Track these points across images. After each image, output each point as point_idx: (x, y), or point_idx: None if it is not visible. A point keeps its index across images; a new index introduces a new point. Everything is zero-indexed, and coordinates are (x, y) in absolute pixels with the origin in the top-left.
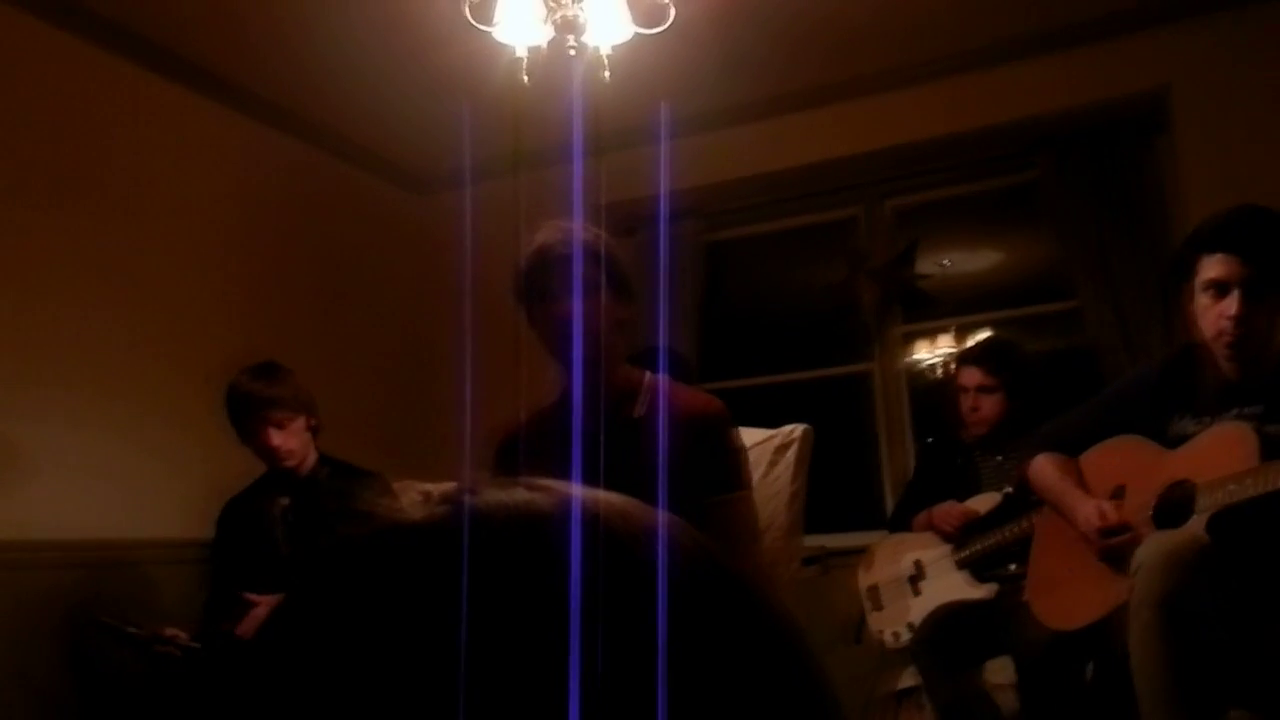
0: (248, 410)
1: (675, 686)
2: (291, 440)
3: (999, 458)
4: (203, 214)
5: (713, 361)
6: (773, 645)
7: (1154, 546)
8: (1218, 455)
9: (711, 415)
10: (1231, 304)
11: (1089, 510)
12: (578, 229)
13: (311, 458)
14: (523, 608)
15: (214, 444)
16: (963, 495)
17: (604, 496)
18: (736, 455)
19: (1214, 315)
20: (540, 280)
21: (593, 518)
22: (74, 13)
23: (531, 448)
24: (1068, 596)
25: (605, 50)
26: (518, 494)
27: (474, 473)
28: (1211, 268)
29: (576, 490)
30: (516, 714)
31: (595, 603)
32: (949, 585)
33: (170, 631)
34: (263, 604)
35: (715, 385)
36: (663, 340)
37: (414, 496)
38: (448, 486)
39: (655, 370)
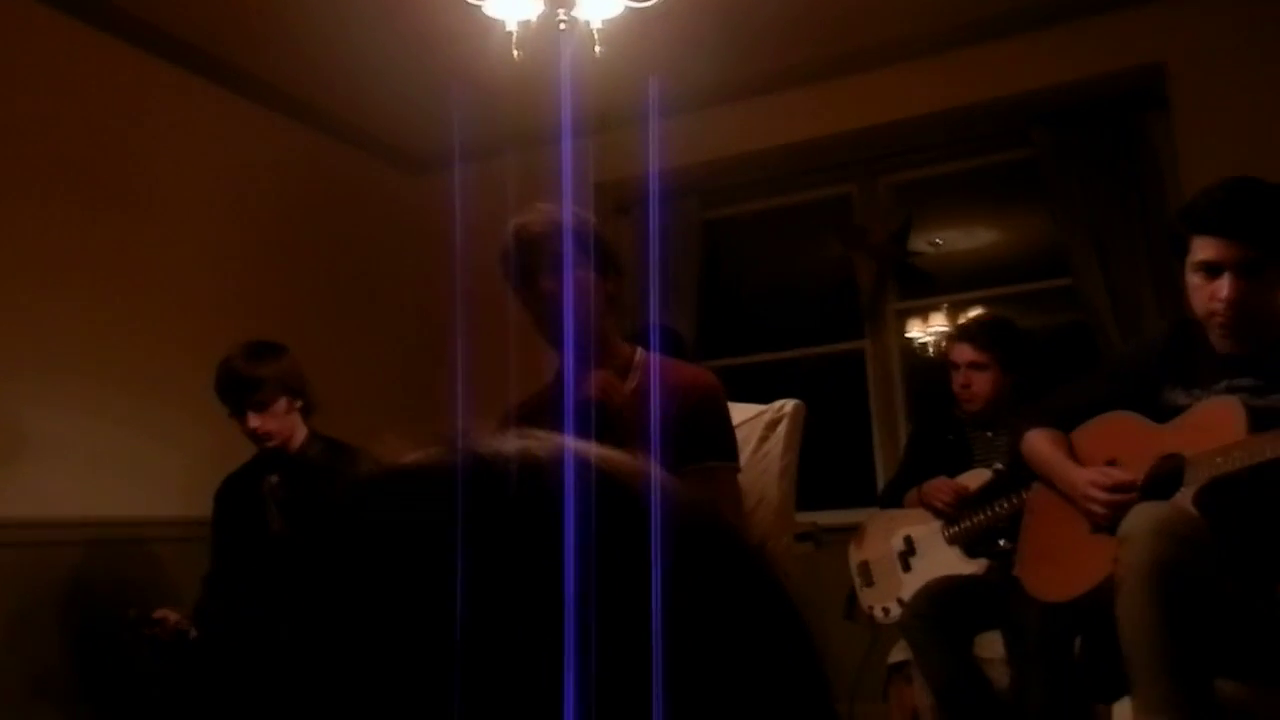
0: (229, 389)
1: (669, 638)
2: (270, 423)
3: (989, 434)
4: (198, 195)
5: (709, 339)
6: (765, 601)
7: (1141, 516)
8: (1207, 429)
9: (703, 387)
10: (1223, 286)
11: (1090, 474)
12: (566, 206)
13: (301, 435)
14: (527, 551)
15: (217, 423)
16: (954, 471)
17: (596, 448)
18: (726, 427)
19: (1205, 296)
20: (521, 261)
21: (588, 463)
22: None
23: (527, 424)
24: (1057, 570)
25: (596, 25)
26: (512, 441)
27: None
28: (1204, 249)
29: (569, 442)
30: (520, 658)
31: (596, 548)
32: (940, 561)
33: (160, 613)
34: None
35: (711, 363)
36: (654, 317)
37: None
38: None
39: (649, 347)
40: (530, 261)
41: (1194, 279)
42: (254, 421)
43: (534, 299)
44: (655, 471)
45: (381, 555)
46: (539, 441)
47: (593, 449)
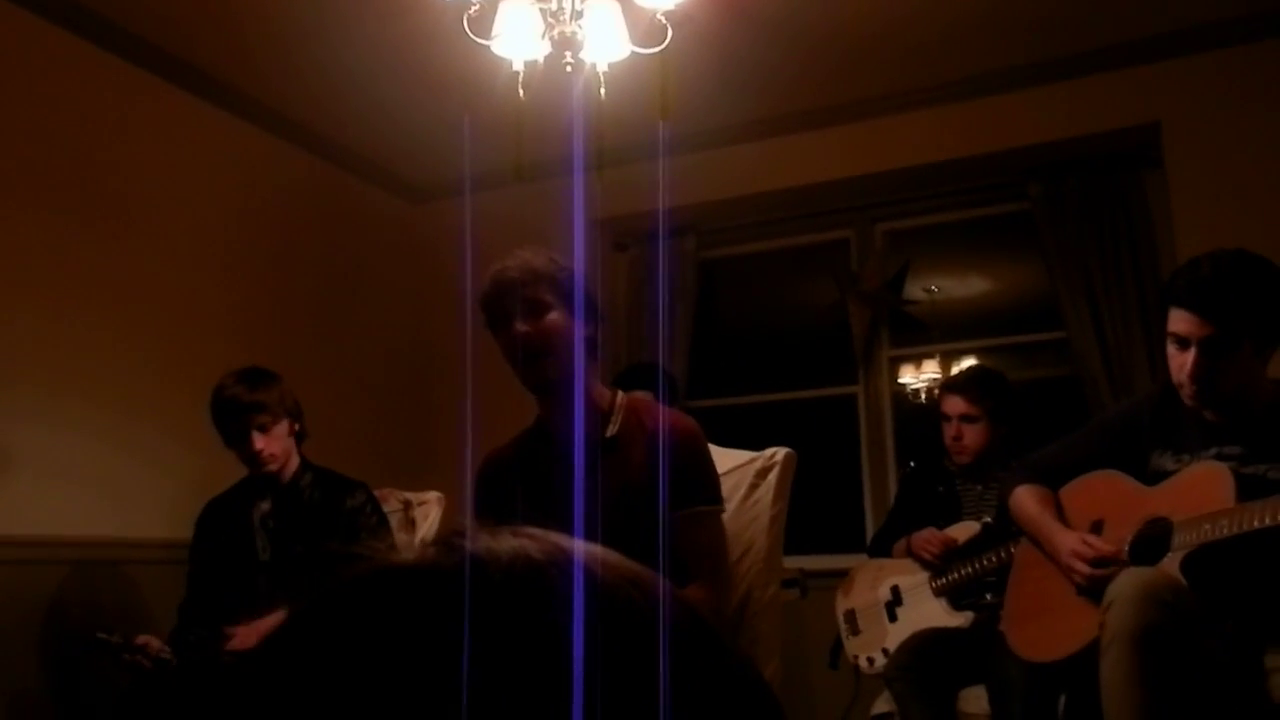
0: (232, 414)
1: None
2: (274, 444)
3: (979, 486)
4: (196, 218)
5: (702, 379)
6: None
7: (1127, 582)
8: (1195, 494)
9: (685, 433)
10: (1187, 360)
11: (1073, 542)
12: (578, 245)
13: (294, 463)
14: (522, 655)
15: (200, 446)
16: (943, 523)
17: (595, 549)
18: (710, 471)
19: (1175, 366)
20: (496, 307)
21: (588, 572)
22: (72, 12)
23: (514, 473)
24: (1043, 628)
25: (602, 68)
26: (506, 541)
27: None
28: (1176, 321)
29: (579, 547)
30: None
31: (594, 654)
32: (926, 612)
33: (142, 639)
34: (239, 635)
35: (702, 403)
36: (661, 357)
37: (395, 505)
38: (429, 496)
39: (646, 388)
40: (505, 306)
41: (1169, 348)
42: (260, 443)
43: (505, 343)
44: (664, 586)
45: (371, 661)
46: (535, 541)
47: (588, 549)
